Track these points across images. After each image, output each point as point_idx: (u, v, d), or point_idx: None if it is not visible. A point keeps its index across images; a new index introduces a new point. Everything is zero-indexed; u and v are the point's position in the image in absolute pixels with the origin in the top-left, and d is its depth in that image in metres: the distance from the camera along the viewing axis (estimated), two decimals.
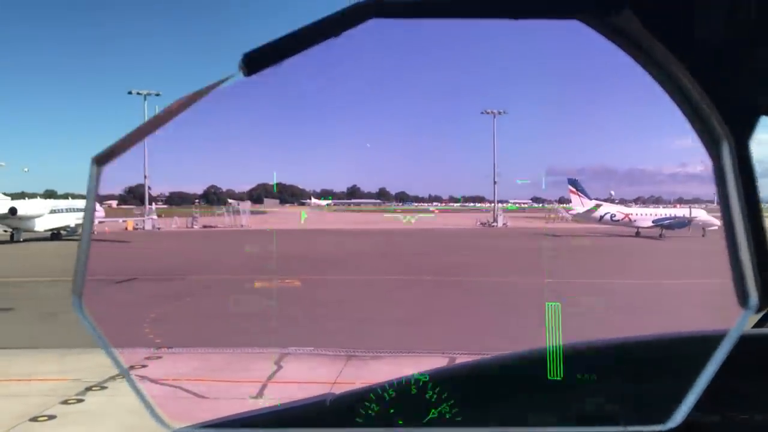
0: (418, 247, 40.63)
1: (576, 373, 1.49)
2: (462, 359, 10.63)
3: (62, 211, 49.41)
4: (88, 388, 8.81)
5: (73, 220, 49.50)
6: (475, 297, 19.00)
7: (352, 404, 1.45)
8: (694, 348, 1.45)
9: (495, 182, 79.26)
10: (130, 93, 68.68)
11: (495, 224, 73.19)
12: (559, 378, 1.48)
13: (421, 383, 1.46)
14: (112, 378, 9.40)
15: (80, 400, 8.40)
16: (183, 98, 1.09)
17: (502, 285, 21.81)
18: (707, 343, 1.07)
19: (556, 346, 1.55)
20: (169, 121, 1.08)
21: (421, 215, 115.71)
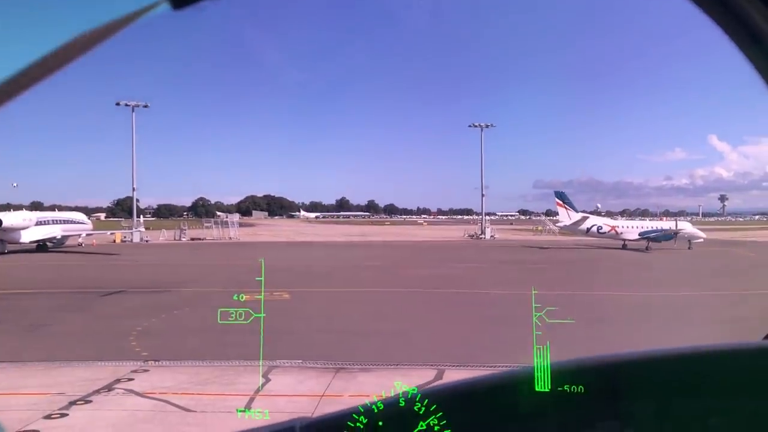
0: (406, 259, 40.68)
1: (566, 389, 1.48)
2: (451, 373, 10.55)
3: (48, 223, 48.82)
4: (72, 403, 8.66)
5: (59, 231, 48.91)
6: (463, 308, 19.03)
7: None
8: (699, 364, 1.45)
9: (483, 195, 79.83)
10: (118, 104, 68.36)
11: (483, 236, 73.52)
12: (548, 394, 1.47)
13: (402, 406, 1.38)
14: (97, 392, 9.26)
15: (64, 415, 8.24)
16: (88, 32, 0.88)
17: (489, 297, 21.89)
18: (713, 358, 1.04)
19: (545, 363, 1.53)
20: (71, 60, 0.89)
21: (410, 227, 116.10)
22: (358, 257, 40.68)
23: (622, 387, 1.48)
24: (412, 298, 21.49)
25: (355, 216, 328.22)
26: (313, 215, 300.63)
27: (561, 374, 1.49)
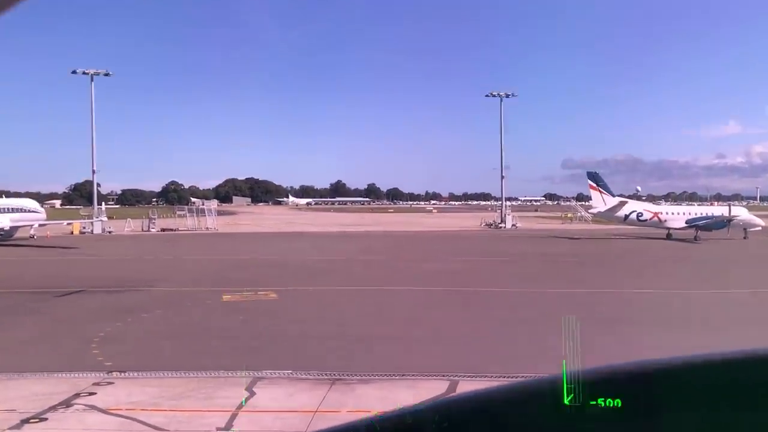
0: (412, 252, 40.72)
1: (600, 403, 1.46)
2: (465, 384, 10.57)
3: None
4: (25, 421, 8.70)
5: (7, 221, 49.00)
6: (478, 309, 19.07)
7: None
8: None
9: (502, 177, 79.25)
10: (74, 73, 67.99)
11: (503, 225, 73.15)
12: (579, 407, 1.45)
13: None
14: (53, 408, 9.31)
15: None
16: None
17: (508, 295, 21.92)
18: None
19: (576, 371, 1.50)
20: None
21: (418, 215, 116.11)
22: (355, 250, 40.76)
23: (665, 399, 1.45)
24: (419, 298, 21.54)
25: (353, 202, 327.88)
26: (303, 201, 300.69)
27: (594, 384, 1.46)
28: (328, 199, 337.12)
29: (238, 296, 21.24)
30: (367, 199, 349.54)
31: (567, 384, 1.45)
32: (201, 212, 74.23)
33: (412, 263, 32.48)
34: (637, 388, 1.44)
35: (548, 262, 33.36)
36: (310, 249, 42.38)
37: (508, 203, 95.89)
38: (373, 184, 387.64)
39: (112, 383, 10.86)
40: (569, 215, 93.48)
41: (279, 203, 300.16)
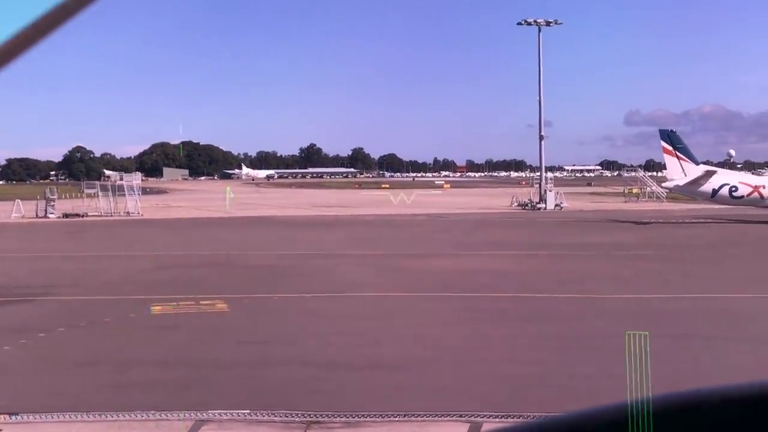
0: (411, 243, 40.81)
1: None
2: (491, 426, 10.67)
3: None
4: None
5: None
6: (504, 323, 19.19)
7: None
8: None
9: (542, 137, 78.82)
10: None
11: (542, 205, 73.51)
12: None
13: None
14: None
15: None
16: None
17: (546, 303, 22.06)
18: None
19: (642, 400, 1.57)
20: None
21: (423, 192, 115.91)
22: (334, 243, 40.85)
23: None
24: (423, 308, 21.63)
25: (332, 175, 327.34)
26: (262, 174, 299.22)
27: (667, 413, 1.52)
28: (298, 171, 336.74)
29: (173, 307, 21.27)
30: (352, 170, 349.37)
31: (634, 412, 1.50)
32: (119, 190, 73.99)
33: (415, 260, 32.58)
34: (717, 418, 1.48)
35: (608, 257, 33.51)
36: (272, 241, 42.41)
37: (550, 175, 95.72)
38: (361, 149, 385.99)
39: (1, 430, 10.91)
40: (635, 190, 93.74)
41: (228, 177, 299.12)
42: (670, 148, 55.98)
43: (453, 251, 36.74)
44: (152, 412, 11.63)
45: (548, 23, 78.38)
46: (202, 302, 21.96)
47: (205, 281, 26.56)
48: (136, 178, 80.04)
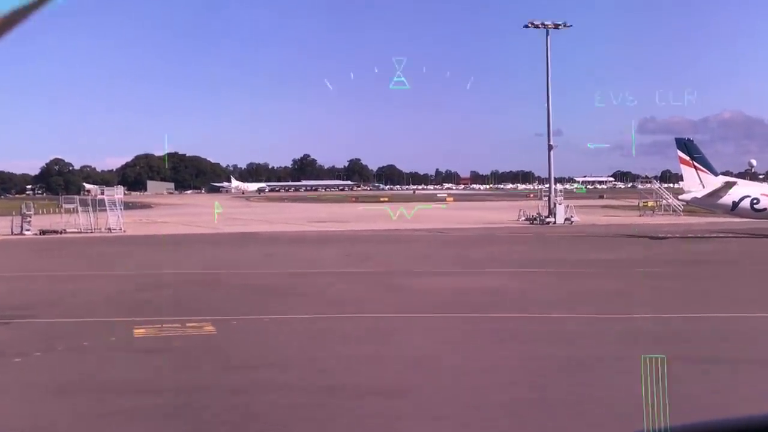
0: (414, 260, 40.72)
1: None
2: None
3: None
4: None
5: None
6: (513, 344, 19.16)
7: None
8: None
9: (551, 147, 78.61)
10: None
11: (551, 219, 73.68)
12: None
13: None
14: None
15: None
16: None
17: (558, 324, 22.02)
18: None
19: (660, 429, 1.57)
20: None
21: (424, 206, 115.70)
22: (329, 259, 40.86)
23: None
24: (423, 329, 21.60)
25: (327, 188, 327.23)
26: (252, 187, 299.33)
27: None
28: (291, 183, 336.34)
29: (157, 330, 21.23)
30: (349, 182, 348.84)
31: None
32: (100, 205, 73.92)
33: (415, 278, 32.55)
34: None
35: (621, 275, 33.46)
36: (263, 259, 42.36)
37: (560, 187, 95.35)
38: (358, 160, 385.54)
39: None
40: (650, 203, 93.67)
41: (216, 190, 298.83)
42: (687, 157, 55.88)
43: (456, 269, 36.70)
44: None
45: (557, 26, 78.60)
46: (187, 324, 21.91)
47: (192, 302, 26.49)
48: (118, 192, 79.84)
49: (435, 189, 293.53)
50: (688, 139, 57.48)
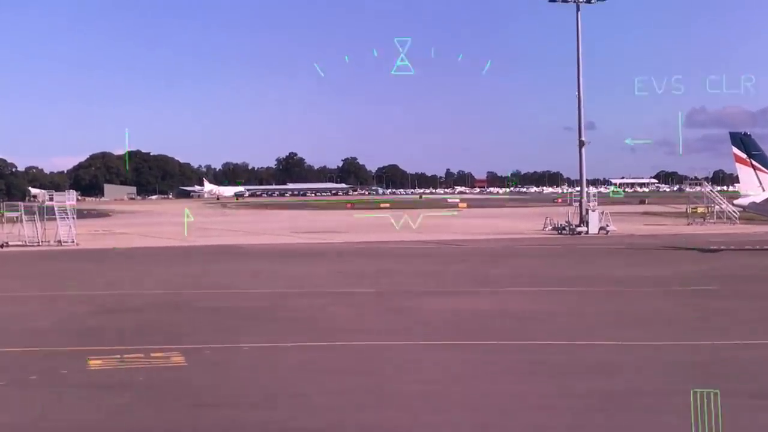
0: (423, 279, 40.62)
1: None
2: None
3: None
4: None
5: None
6: (546, 377, 19.11)
7: None
8: None
9: (582, 142, 78.19)
10: None
11: (583, 229, 73.98)
12: None
13: None
14: None
15: None
16: None
17: (596, 354, 21.97)
18: None
19: None
20: None
21: (432, 213, 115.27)
22: (320, 277, 40.85)
23: None
24: (431, 360, 21.53)
25: (317, 192, 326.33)
26: (229, 191, 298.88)
27: None
28: (275, 187, 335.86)
29: (116, 361, 21.16)
30: (343, 185, 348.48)
31: None
32: (48, 213, 73.75)
33: (422, 299, 32.56)
34: None
35: (666, 294, 33.43)
36: (242, 277, 42.32)
37: (594, 190, 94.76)
38: (354, 160, 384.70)
39: None
40: (699, 210, 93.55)
41: (187, 195, 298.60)
42: (744, 155, 55.71)
43: (470, 288, 36.65)
44: None
45: (588, 0, 78.65)
46: (152, 354, 21.83)
47: (157, 327, 26.40)
48: (69, 198, 79.48)
49: (445, 193, 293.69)
50: (745, 134, 57.39)
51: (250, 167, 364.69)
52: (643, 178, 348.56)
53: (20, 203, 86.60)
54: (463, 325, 26.63)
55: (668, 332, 24.54)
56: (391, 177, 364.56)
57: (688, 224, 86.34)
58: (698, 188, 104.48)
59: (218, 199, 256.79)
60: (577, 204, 79.50)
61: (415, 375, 19.88)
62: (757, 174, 55.31)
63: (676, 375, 18.63)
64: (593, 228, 73.08)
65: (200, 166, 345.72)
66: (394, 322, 27.45)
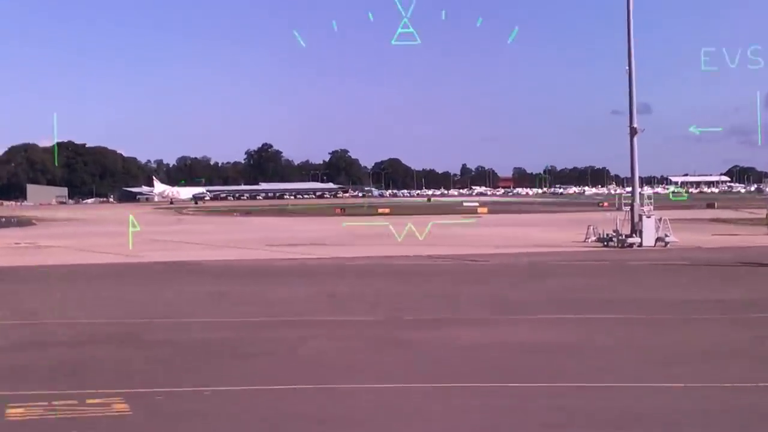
0: (431, 302, 40.65)
1: None
2: None
3: None
4: None
5: None
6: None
7: None
8: None
9: (635, 131, 77.93)
10: None
11: (636, 240, 74.37)
12: None
13: None
14: None
15: None
16: None
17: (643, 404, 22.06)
18: None
19: None
20: None
21: (444, 220, 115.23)
22: (302, 302, 40.99)
23: None
24: (443, 407, 21.64)
25: (299, 193, 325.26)
26: (186, 193, 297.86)
27: None
28: (245, 188, 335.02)
29: (42, 410, 21.26)
30: (331, 185, 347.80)
31: None
32: None
33: (430, 330, 32.67)
34: None
35: (739, 323, 33.60)
36: (203, 301, 42.55)
37: (649, 191, 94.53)
38: (344, 153, 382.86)
39: None
40: None
41: (132, 198, 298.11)
42: None
43: (491, 315, 36.82)
44: None
45: None
46: (89, 401, 21.85)
47: (96, 367, 26.47)
48: None
49: (461, 195, 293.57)
50: None
51: (212, 163, 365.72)
52: (711, 175, 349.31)
53: None
54: (482, 362, 26.70)
55: (742, 371, 24.58)
56: (392, 175, 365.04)
57: None
58: None
59: (172, 203, 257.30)
60: (628, 209, 79.49)
61: (417, 426, 19.99)
62: None
63: (749, 427, 18.73)
64: (648, 239, 73.15)
65: (149, 161, 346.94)
66: (395, 359, 27.52)
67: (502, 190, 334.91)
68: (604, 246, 74.09)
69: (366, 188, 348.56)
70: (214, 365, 26.72)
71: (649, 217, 75.71)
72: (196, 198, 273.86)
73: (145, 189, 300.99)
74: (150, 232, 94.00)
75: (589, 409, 21.30)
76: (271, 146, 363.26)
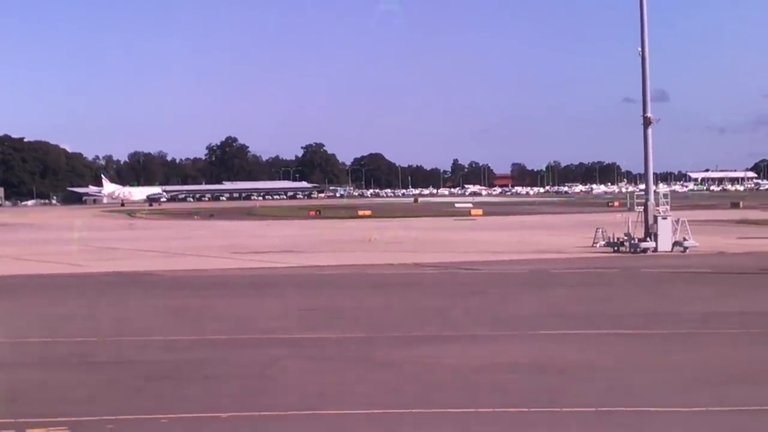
0: (416, 324, 40.70)
1: None
2: None
3: None
4: None
5: None
6: None
7: None
8: None
9: (648, 120, 78.03)
10: None
11: (650, 244, 74.67)
12: None
13: None
14: None
15: None
16: None
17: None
18: None
19: None
20: None
21: (433, 223, 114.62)
22: (271, 318, 41.04)
23: None
24: None
25: (268, 193, 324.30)
26: (139, 193, 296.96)
27: None
28: (206, 187, 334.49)
29: None
30: (304, 184, 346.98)
31: None
32: None
33: (417, 348, 32.79)
34: None
35: (763, 338, 33.72)
36: (160, 317, 42.60)
37: (665, 188, 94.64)
38: (319, 147, 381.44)
39: None
40: None
41: (78, 199, 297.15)
42: None
43: (487, 331, 36.93)
44: None
45: None
46: (29, 431, 21.99)
47: (37, 393, 26.51)
48: None
49: (452, 194, 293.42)
50: None
51: (169, 159, 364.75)
52: (736, 170, 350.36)
53: None
54: (475, 385, 26.80)
55: (762, 393, 24.72)
56: (374, 172, 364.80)
57: None
58: None
59: (123, 204, 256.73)
60: (641, 209, 79.64)
61: None
62: None
63: None
64: (664, 243, 73.15)
65: (97, 157, 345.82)
66: (379, 382, 27.59)
67: (499, 189, 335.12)
68: (615, 251, 74.21)
69: (345, 188, 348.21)
70: (170, 389, 26.75)
71: (665, 218, 75.61)
72: (151, 199, 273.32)
73: (92, 189, 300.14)
74: (99, 239, 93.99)
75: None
76: (235, 140, 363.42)
